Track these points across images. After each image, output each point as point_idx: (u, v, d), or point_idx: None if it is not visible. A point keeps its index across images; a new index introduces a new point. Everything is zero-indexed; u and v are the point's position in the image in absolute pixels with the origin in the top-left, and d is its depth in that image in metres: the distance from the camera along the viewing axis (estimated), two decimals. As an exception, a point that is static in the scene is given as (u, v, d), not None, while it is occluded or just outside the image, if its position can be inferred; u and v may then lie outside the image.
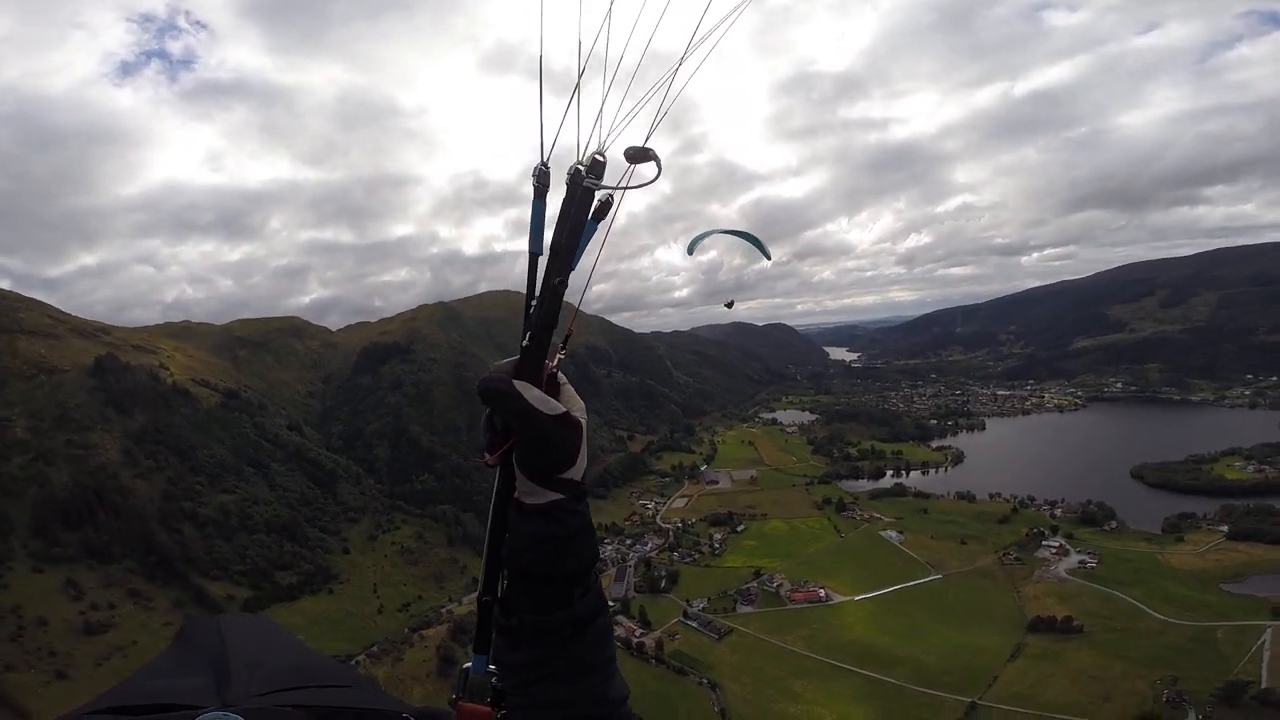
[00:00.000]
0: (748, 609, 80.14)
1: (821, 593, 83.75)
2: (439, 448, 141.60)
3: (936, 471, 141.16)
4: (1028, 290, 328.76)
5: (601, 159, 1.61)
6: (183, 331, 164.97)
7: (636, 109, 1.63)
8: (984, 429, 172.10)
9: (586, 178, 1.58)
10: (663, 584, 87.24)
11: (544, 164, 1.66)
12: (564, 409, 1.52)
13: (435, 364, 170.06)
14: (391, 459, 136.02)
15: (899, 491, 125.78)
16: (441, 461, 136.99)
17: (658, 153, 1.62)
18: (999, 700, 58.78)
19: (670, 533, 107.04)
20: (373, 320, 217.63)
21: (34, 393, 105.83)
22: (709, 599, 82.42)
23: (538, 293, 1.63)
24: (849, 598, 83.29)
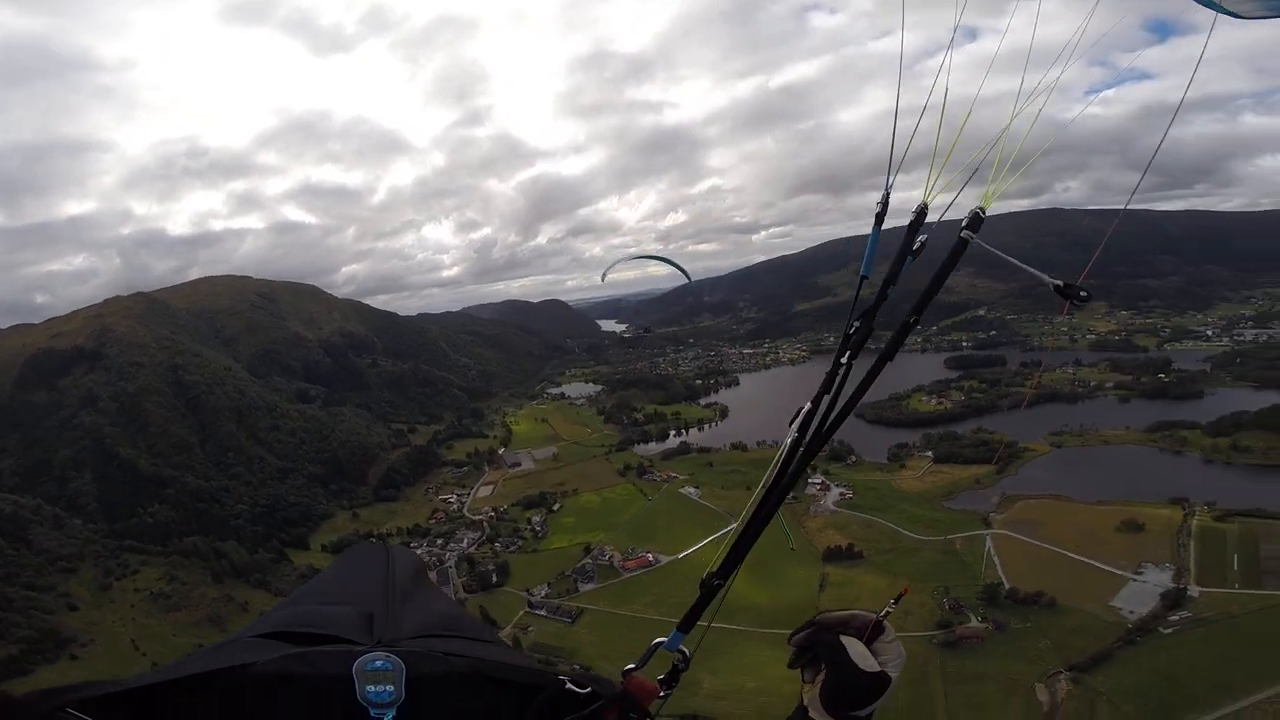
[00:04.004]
0: (590, 586, 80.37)
1: (650, 557, 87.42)
2: (167, 470, 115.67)
3: (709, 426, 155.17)
4: (757, 264, 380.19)
5: (982, 214, 1.81)
6: None
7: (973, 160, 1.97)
8: (738, 384, 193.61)
9: (964, 230, 1.82)
10: (494, 578, 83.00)
11: (886, 193, 1.97)
12: (880, 668, 1.74)
13: (141, 369, 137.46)
14: (101, 492, 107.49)
15: (684, 450, 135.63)
16: (174, 487, 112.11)
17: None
18: (829, 626, 67.53)
19: (484, 524, 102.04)
20: (38, 321, 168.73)
21: None
22: (549, 584, 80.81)
23: (858, 317, 1.92)
24: (674, 556, 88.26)
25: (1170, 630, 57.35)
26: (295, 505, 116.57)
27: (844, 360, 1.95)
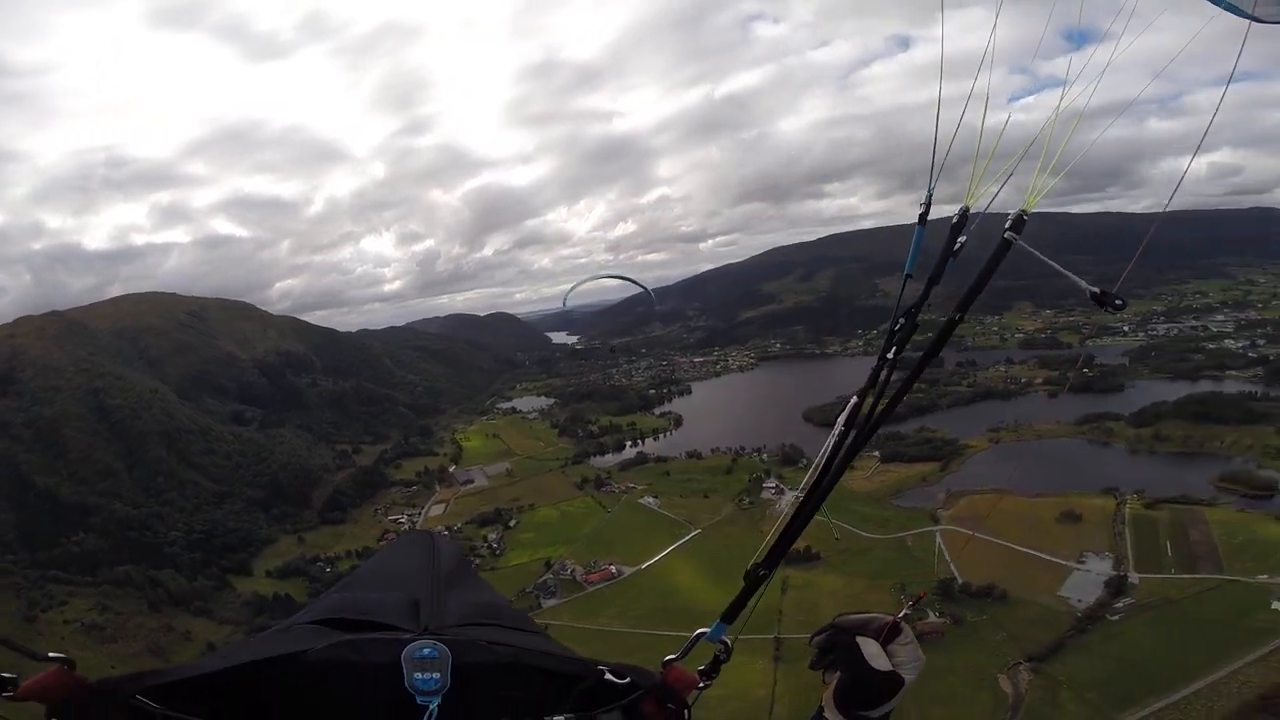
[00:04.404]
0: (553, 601, 79.19)
1: (613, 569, 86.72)
2: (92, 498, 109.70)
3: (665, 436, 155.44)
4: (704, 272, 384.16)
5: (1025, 216, 1.79)
6: None
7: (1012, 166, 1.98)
8: (691, 392, 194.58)
9: (1008, 231, 1.80)
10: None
11: (930, 193, 2.02)
12: (892, 668, 1.75)
13: (58, 393, 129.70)
14: (20, 521, 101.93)
15: (641, 460, 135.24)
16: (100, 515, 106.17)
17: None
18: (794, 631, 67.57)
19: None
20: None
21: None
22: (511, 600, 77.88)
23: (903, 314, 1.94)
24: (637, 567, 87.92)
25: (1117, 617, 60.16)
26: (235, 531, 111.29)
27: (889, 356, 1.99)
